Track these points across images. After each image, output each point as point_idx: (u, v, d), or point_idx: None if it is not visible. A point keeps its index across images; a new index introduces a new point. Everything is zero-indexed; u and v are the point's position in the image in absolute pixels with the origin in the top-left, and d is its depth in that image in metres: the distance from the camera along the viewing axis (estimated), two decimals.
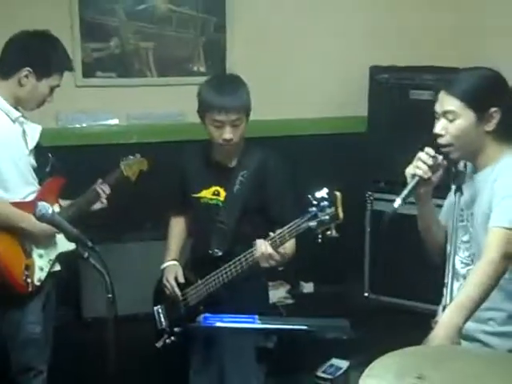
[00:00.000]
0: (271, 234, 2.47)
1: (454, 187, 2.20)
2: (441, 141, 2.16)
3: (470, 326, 2.05)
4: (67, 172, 2.93)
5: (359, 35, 4.30)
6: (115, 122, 3.95)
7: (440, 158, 2.16)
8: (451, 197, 2.28)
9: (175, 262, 2.87)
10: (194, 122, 3.86)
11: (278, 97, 4.14)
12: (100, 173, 3.00)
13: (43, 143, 3.07)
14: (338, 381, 3.18)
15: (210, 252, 2.71)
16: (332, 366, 3.30)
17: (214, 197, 2.77)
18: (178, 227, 2.99)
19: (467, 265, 2.21)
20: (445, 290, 2.08)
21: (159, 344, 2.81)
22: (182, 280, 2.81)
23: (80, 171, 3.10)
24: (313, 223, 2.28)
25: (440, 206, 2.40)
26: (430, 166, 2.14)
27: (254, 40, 4.13)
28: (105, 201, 2.89)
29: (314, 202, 2.27)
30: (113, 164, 3.07)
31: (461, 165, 2.20)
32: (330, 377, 3.23)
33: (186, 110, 4.00)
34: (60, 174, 2.88)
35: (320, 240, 2.30)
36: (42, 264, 2.72)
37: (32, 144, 2.77)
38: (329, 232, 2.29)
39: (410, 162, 2.20)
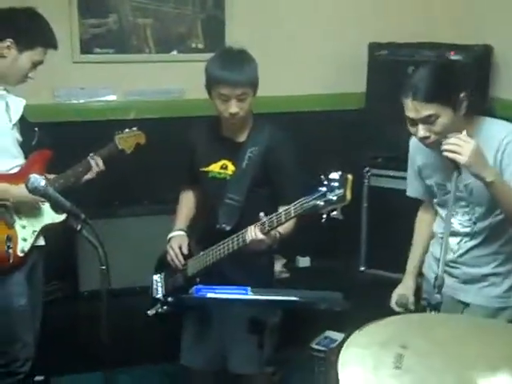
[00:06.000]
0: (263, 217, 2.47)
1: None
2: (427, 142, 2.30)
3: (474, 271, 2.41)
4: (64, 148, 2.95)
5: (359, 11, 4.29)
6: (113, 98, 3.96)
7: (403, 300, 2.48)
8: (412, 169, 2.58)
9: (182, 233, 2.87)
10: (191, 98, 3.92)
11: (277, 73, 4.12)
12: (97, 149, 3.01)
13: (40, 119, 3.10)
14: (331, 352, 3.22)
15: (218, 226, 2.71)
16: (326, 338, 3.35)
17: (222, 171, 2.76)
18: (187, 200, 2.99)
19: (468, 226, 2.41)
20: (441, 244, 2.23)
21: (151, 312, 2.83)
22: (185, 251, 2.82)
23: (77, 147, 3.10)
24: (320, 202, 2.29)
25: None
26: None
27: (253, 16, 4.12)
28: (95, 173, 2.89)
29: (325, 182, 2.29)
30: (110, 140, 3.09)
31: None
32: (324, 349, 3.27)
33: (185, 87, 4.01)
34: (47, 147, 2.88)
35: (324, 220, 2.32)
36: (25, 235, 2.73)
37: (15, 118, 2.76)
38: (334, 213, 2.30)
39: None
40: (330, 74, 4.29)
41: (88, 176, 2.89)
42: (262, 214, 2.48)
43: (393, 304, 2.52)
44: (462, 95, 2.25)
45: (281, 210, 2.47)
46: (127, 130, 3.11)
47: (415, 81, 2.26)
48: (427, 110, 2.23)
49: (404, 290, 2.55)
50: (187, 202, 2.99)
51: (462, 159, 2.12)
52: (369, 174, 4.09)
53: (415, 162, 2.56)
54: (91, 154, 2.93)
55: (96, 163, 2.90)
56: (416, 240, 2.67)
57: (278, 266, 4.22)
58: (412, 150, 2.54)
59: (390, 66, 4.01)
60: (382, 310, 2.40)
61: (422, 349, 1.41)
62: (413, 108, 2.25)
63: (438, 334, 1.51)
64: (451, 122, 2.26)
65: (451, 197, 2.21)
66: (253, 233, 2.48)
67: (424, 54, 3.95)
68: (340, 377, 1.31)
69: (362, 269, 4.15)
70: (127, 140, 3.08)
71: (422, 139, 2.31)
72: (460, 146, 2.13)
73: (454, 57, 3.87)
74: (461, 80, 2.32)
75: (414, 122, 2.29)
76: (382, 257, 4.00)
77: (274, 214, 2.43)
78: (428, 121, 2.25)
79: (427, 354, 1.39)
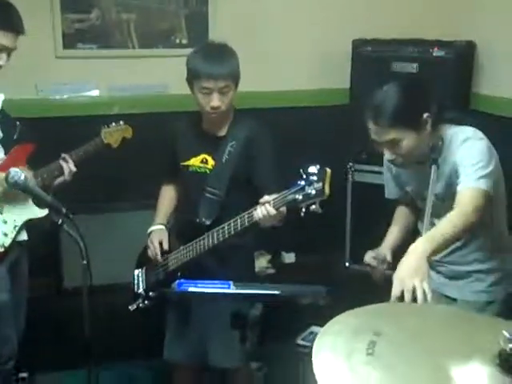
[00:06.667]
0: (268, 197, 2.45)
1: (430, 161, 2.33)
2: (395, 162, 2.36)
3: (458, 268, 2.46)
4: (47, 143, 2.93)
5: (343, 8, 4.29)
6: (96, 93, 3.94)
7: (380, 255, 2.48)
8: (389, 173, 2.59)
9: (162, 227, 2.89)
10: (175, 93, 3.90)
11: (261, 69, 4.12)
12: (81, 144, 2.99)
13: (23, 114, 3.07)
14: None
15: (198, 221, 2.72)
16: (312, 333, 3.34)
17: (202, 165, 2.78)
18: (168, 194, 3.00)
19: None
20: None
21: (132, 307, 2.85)
22: (166, 246, 2.83)
23: (60, 143, 3.09)
24: (299, 196, 2.31)
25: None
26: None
27: (237, 12, 4.11)
28: (68, 177, 2.83)
29: (304, 176, 2.29)
30: (94, 135, 3.06)
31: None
32: (309, 344, 3.27)
33: (168, 82, 4.00)
34: (29, 141, 2.84)
35: (303, 214, 2.32)
36: (6, 230, 2.71)
37: None
38: (313, 207, 2.31)
39: None
40: (314, 69, 4.29)
41: (60, 179, 2.84)
42: (266, 196, 2.46)
43: (367, 258, 2.54)
44: (425, 116, 2.27)
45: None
46: (113, 123, 3.07)
47: (376, 104, 2.27)
48: (389, 135, 2.25)
49: (379, 250, 2.58)
50: (167, 196, 2.99)
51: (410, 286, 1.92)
52: (353, 169, 4.09)
53: (391, 169, 2.59)
54: (62, 155, 2.87)
55: (67, 166, 2.83)
56: (393, 224, 2.71)
57: (263, 262, 4.22)
58: (386, 157, 2.53)
59: (374, 63, 4.02)
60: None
61: (396, 337, 1.42)
62: (375, 132, 2.28)
63: (411, 323, 1.52)
64: (415, 143, 2.29)
65: (429, 200, 2.26)
66: (264, 210, 2.45)
67: (408, 50, 3.96)
68: (314, 364, 1.32)
69: (347, 264, 4.15)
70: (113, 134, 3.06)
71: (389, 161, 2.36)
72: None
73: (437, 53, 3.88)
74: (423, 101, 2.32)
75: (379, 144, 2.32)
76: (366, 252, 4.00)
77: (279, 195, 2.42)
78: (391, 144, 2.28)
79: (400, 342, 1.40)
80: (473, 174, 2.22)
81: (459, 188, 2.23)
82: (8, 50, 2.64)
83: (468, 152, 2.28)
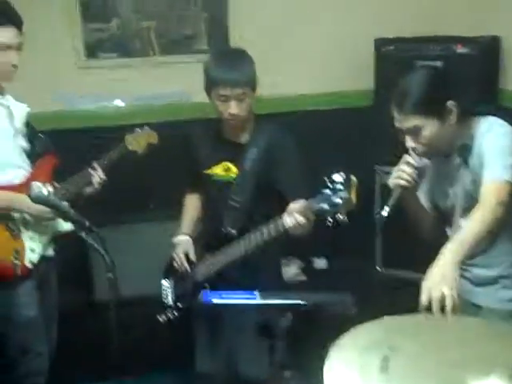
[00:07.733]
0: (295, 205, 2.42)
1: (459, 160, 2.29)
2: (417, 152, 2.29)
3: (484, 273, 2.37)
4: (70, 155, 2.92)
5: (364, 7, 4.25)
6: (119, 102, 3.94)
7: (422, 161, 2.32)
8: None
9: (188, 238, 2.86)
10: (198, 101, 3.87)
11: (283, 73, 4.10)
12: (104, 155, 2.97)
13: (46, 126, 3.07)
14: None
15: (224, 230, 2.70)
16: None
17: (225, 173, 2.74)
18: (192, 203, 2.97)
19: None
20: None
21: (162, 318, 2.82)
22: (193, 257, 2.81)
23: (83, 154, 3.07)
24: (325, 205, 2.27)
25: None
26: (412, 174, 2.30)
27: (257, 16, 4.10)
28: (97, 185, 2.80)
29: (329, 185, 2.25)
30: (117, 144, 3.04)
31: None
32: None
33: (190, 89, 3.98)
34: (52, 153, 2.83)
35: (330, 223, 2.28)
36: (33, 246, 2.68)
37: (18, 124, 2.71)
38: (339, 216, 2.27)
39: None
40: (337, 71, 4.26)
41: (90, 189, 2.81)
42: (292, 205, 2.43)
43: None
44: (448, 104, 2.22)
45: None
46: (138, 129, 3.03)
47: (400, 91, 2.25)
48: (410, 122, 2.22)
49: None
50: (192, 206, 2.96)
51: None
52: (380, 171, 4.04)
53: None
54: (93, 163, 2.84)
55: (97, 174, 2.80)
56: None
57: (294, 269, 4.17)
58: (408, 145, 2.46)
59: (398, 62, 3.96)
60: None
61: (411, 351, 1.39)
62: (398, 119, 2.25)
63: (428, 337, 1.49)
64: (438, 132, 2.24)
65: (459, 202, 2.22)
66: (294, 219, 2.43)
67: (431, 48, 3.91)
68: (325, 378, 1.28)
69: (379, 269, 4.10)
70: (138, 140, 3.01)
71: (411, 149, 2.29)
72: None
73: (460, 50, 3.82)
74: (447, 88, 2.27)
75: (403, 132, 2.28)
76: (398, 256, 3.94)
77: (305, 204, 2.39)
78: (413, 132, 2.24)
79: (415, 357, 1.36)
80: (497, 164, 2.17)
81: (483, 181, 2.19)
82: (15, 48, 2.55)
83: (492, 141, 2.23)
